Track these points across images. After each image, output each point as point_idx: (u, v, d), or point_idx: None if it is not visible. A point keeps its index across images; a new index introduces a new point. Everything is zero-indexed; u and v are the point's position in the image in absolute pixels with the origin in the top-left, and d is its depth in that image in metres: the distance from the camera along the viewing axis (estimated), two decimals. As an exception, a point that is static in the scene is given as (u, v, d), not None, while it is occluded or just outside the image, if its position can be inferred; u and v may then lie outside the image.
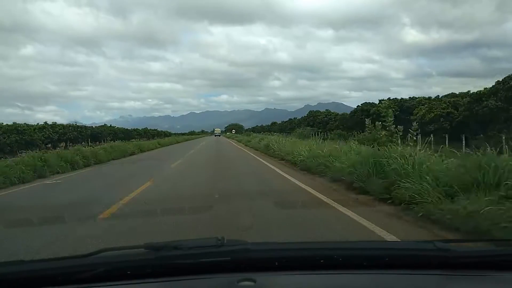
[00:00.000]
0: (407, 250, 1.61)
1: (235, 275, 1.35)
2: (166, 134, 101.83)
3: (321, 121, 64.52)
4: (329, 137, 31.40)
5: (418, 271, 1.43)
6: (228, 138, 77.36)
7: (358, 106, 53.77)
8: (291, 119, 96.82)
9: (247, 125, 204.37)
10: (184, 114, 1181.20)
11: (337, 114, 66.03)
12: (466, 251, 1.55)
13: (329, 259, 1.46)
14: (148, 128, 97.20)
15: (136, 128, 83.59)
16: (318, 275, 1.42)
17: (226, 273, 1.39)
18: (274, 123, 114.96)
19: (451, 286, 1.42)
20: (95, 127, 52.55)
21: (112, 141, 34.24)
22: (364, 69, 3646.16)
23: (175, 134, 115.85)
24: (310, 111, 73.18)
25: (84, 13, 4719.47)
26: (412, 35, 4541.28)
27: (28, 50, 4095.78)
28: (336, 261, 1.45)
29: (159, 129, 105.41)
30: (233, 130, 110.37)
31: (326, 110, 70.19)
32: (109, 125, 60.08)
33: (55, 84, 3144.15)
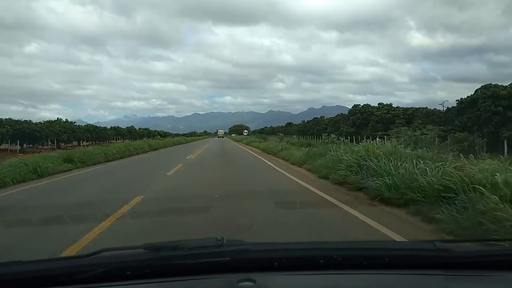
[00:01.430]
0: (407, 250, 1.61)
1: (235, 275, 1.34)
2: (160, 135, 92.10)
3: (381, 120, 43.82)
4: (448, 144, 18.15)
5: (418, 271, 1.42)
6: (237, 141, 55.55)
7: (477, 91, 31.07)
8: (316, 118, 76.15)
9: (251, 127, 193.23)
10: (188, 114, 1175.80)
11: (407, 109, 44.97)
12: (466, 251, 1.54)
13: (329, 259, 1.45)
14: (136, 128, 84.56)
15: (117, 127, 70.68)
16: (318, 275, 1.41)
17: (225, 273, 1.38)
18: (289, 124, 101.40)
19: (451, 286, 1.40)
20: (35, 123, 38.30)
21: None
22: (369, 72, 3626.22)
23: (171, 135, 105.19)
24: (354, 104, 52.51)
25: (88, 11, 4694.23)
26: (418, 38, 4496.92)
27: (32, 47, 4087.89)
28: (336, 261, 1.44)
29: (150, 129, 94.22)
30: (245, 132, 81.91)
31: (379, 103, 48.29)
32: (64, 120, 43.91)
33: (59, 82, 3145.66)
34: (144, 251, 1.43)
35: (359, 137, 32.86)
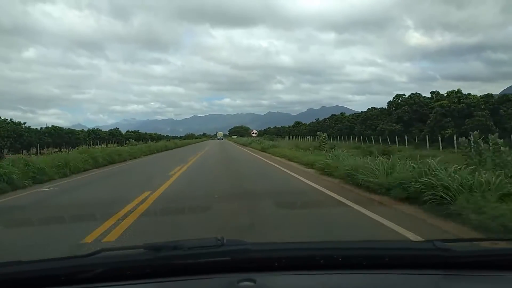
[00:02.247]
0: (407, 250, 1.59)
1: (235, 275, 1.33)
2: (153, 138, 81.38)
3: (449, 112, 30.82)
4: None
5: (418, 271, 1.41)
6: (244, 145, 43.17)
7: None
8: (334, 114, 63.43)
9: (251, 128, 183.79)
10: (187, 117, 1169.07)
11: (489, 95, 32.35)
12: (466, 251, 1.53)
13: (329, 259, 1.44)
14: (117, 130, 71.21)
15: (97, 129, 58.04)
16: (318, 275, 1.40)
17: (226, 273, 1.37)
18: (298, 123, 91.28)
19: (451, 286, 1.39)
20: None
21: None
22: (367, 72, 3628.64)
23: (166, 138, 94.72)
24: (397, 94, 41.58)
25: (85, 16, 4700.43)
26: (416, 38, 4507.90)
27: (30, 53, 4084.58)
28: (336, 261, 1.43)
29: (141, 131, 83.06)
30: (254, 132, 63.09)
31: (432, 92, 36.33)
32: (8, 120, 32.06)
33: (58, 87, 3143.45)
34: (144, 251, 1.42)
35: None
